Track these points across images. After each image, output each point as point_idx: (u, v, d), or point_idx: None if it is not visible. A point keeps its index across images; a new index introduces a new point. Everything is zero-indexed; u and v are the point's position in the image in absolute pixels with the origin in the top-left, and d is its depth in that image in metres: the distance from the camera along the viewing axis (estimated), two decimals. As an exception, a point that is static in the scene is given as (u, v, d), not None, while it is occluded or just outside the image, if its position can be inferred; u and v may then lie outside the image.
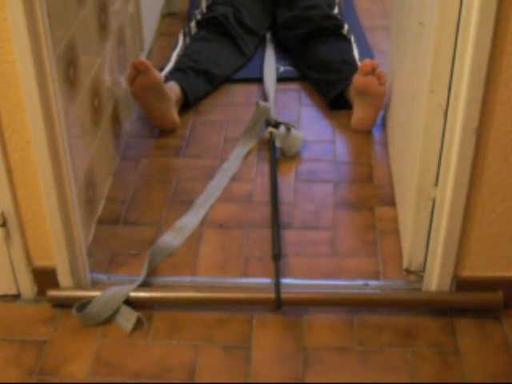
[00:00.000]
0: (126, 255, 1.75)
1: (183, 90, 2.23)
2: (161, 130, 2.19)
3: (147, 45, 2.54)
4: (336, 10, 2.55)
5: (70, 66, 1.61)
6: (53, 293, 1.62)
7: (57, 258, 1.58)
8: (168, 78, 2.25)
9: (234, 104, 2.34)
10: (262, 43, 2.62)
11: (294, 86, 2.41)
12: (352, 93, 2.17)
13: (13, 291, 1.64)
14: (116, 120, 2.05)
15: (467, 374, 1.46)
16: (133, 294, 1.59)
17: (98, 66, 1.86)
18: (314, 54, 2.39)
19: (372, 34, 2.68)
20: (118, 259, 1.74)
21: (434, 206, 1.51)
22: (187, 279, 1.67)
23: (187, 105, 2.27)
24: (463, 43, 1.30)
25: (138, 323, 1.57)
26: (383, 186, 1.96)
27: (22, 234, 1.57)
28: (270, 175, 1.99)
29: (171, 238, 1.78)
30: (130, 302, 1.59)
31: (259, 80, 2.42)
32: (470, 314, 1.58)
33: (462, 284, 1.58)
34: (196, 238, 1.80)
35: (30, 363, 1.50)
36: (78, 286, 1.63)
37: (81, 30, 1.69)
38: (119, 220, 1.86)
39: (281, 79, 2.42)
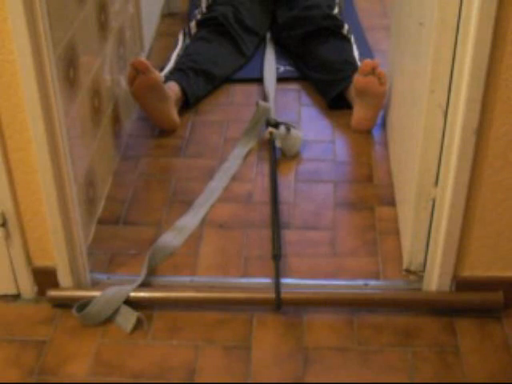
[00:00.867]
0: (126, 255, 1.75)
1: (183, 90, 2.23)
2: (161, 130, 2.19)
3: (147, 45, 2.54)
4: (336, 10, 2.55)
5: (69, 66, 1.61)
6: (53, 293, 1.62)
7: (57, 258, 1.58)
8: (168, 78, 2.25)
9: (234, 104, 2.34)
10: (262, 43, 2.62)
11: (294, 85, 2.41)
12: (352, 93, 2.17)
13: (13, 291, 1.64)
14: (116, 120, 2.05)
15: (467, 374, 1.46)
16: (133, 294, 1.59)
17: (98, 66, 1.86)
18: (314, 53, 2.39)
19: (372, 34, 2.68)
20: (118, 259, 1.74)
21: (434, 206, 1.51)
22: (187, 279, 1.67)
23: (187, 105, 2.27)
24: (463, 43, 1.30)
25: (138, 323, 1.57)
26: (383, 186, 1.96)
27: (22, 234, 1.57)
28: (270, 175, 1.99)
29: (171, 238, 1.78)
30: (130, 302, 1.59)
31: (259, 80, 2.42)
32: (470, 314, 1.58)
33: (461, 284, 1.58)
34: (196, 238, 1.80)
35: (30, 363, 1.50)
36: (78, 286, 1.63)
37: (81, 30, 1.69)
38: (119, 220, 1.86)
39: (281, 79, 2.42)
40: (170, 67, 2.35)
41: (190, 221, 1.84)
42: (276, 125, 2.11)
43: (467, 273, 1.57)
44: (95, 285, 1.65)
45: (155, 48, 2.63)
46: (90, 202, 1.79)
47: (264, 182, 1.99)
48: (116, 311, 1.57)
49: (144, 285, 1.63)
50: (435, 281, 1.58)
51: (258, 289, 1.63)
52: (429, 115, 1.41)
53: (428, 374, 1.46)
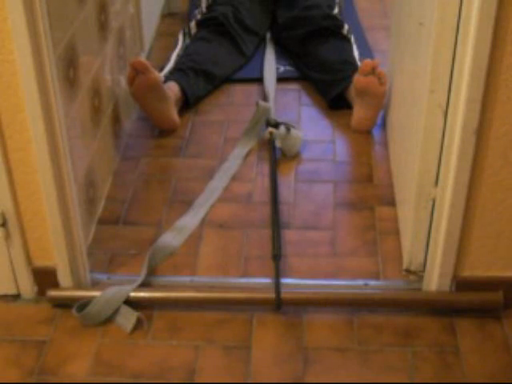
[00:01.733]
0: (126, 255, 1.75)
1: (183, 90, 2.23)
2: (161, 130, 2.19)
3: (147, 45, 2.54)
4: (336, 10, 2.55)
5: (69, 66, 1.61)
6: (53, 293, 1.62)
7: (57, 258, 1.58)
8: (168, 78, 2.25)
9: (234, 104, 2.34)
10: (261, 43, 2.62)
11: (294, 85, 2.41)
12: (352, 93, 2.17)
13: (13, 291, 1.64)
14: (116, 120, 2.05)
15: (467, 374, 1.46)
16: (133, 294, 1.59)
17: (98, 66, 1.86)
18: (314, 53, 2.39)
19: (372, 34, 2.68)
20: (118, 259, 1.74)
21: (434, 206, 1.51)
22: (187, 279, 1.67)
23: (187, 105, 2.27)
24: (463, 43, 1.30)
25: (138, 323, 1.57)
26: (383, 186, 1.96)
27: (22, 234, 1.57)
28: (270, 175, 1.99)
29: (171, 238, 1.78)
30: (130, 302, 1.59)
31: (259, 80, 2.42)
32: (469, 314, 1.58)
33: (461, 284, 1.58)
34: (196, 238, 1.80)
35: (30, 363, 1.50)
36: (78, 286, 1.63)
37: (81, 30, 1.69)
38: (119, 220, 1.86)
39: (281, 79, 2.42)
40: (170, 67, 2.35)
41: (189, 221, 1.84)
42: (276, 125, 2.11)
43: (467, 273, 1.57)
44: (95, 285, 1.65)
45: (155, 48, 2.63)
46: (90, 201, 1.79)
47: (264, 181, 1.99)
48: (116, 311, 1.57)
49: (144, 285, 1.63)
50: (435, 281, 1.58)
51: (257, 289, 1.63)
52: (429, 115, 1.41)
53: (428, 374, 1.46)
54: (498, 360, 1.49)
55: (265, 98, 2.31)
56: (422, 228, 1.55)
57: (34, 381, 1.47)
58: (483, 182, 1.45)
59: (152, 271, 1.69)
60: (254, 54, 2.55)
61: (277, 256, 1.69)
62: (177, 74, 2.28)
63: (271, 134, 2.09)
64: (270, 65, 2.48)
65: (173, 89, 2.19)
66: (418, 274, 1.62)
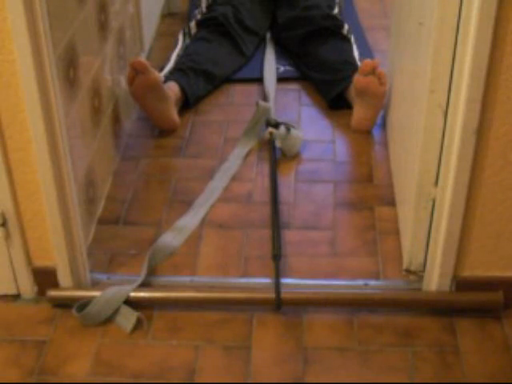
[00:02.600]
0: (126, 255, 1.75)
1: (183, 90, 2.23)
2: (161, 130, 2.19)
3: (147, 45, 2.54)
4: (336, 10, 2.55)
5: (69, 66, 1.61)
6: (53, 293, 1.62)
7: (57, 258, 1.58)
8: (168, 78, 2.25)
9: (234, 104, 2.34)
10: (262, 43, 2.62)
11: (294, 85, 2.41)
12: (352, 93, 2.17)
13: (13, 291, 1.64)
14: (116, 120, 2.05)
15: (467, 374, 1.46)
16: (133, 294, 1.59)
17: (98, 66, 1.86)
18: (314, 54, 2.39)
19: (372, 34, 2.68)
20: (118, 259, 1.74)
21: (434, 206, 1.51)
22: (187, 279, 1.67)
23: (187, 105, 2.27)
24: (463, 43, 1.30)
25: (138, 323, 1.57)
26: (383, 186, 1.96)
27: (22, 234, 1.57)
28: (270, 175, 1.99)
29: (171, 238, 1.78)
30: (130, 302, 1.59)
31: (259, 80, 2.42)
32: (470, 314, 1.58)
33: (461, 284, 1.58)
34: (196, 238, 1.80)
35: (30, 363, 1.50)
36: (78, 286, 1.63)
37: (81, 30, 1.69)
38: (119, 220, 1.86)
39: (281, 79, 2.42)
40: (170, 67, 2.35)
41: (189, 221, 1.84)
42: (276, 125, 2.11)
43: (467, 273, 1.57)
44: (95, 285, 1.65)
45: (155, 48, 2.63)
46: (90, 201, 1.79)
47: (264, 182, 1.99)
48: (116, 311, 1.57)
49: (144, 285, 1.63)
50: (435, 281, 1.58)
51: (257, 289, 1.63)
52: (429, 115, 1.41)
53: (428, 374, 1.46)
54: (498, 360, 1.49)
55: (265, 98, 2.31)
56: (422, 228, 1.55)
57: (34, 381, 1.47)
58: (483, 182, 1.45)
59: (152, 271, 1.69)
60: (254, 54, 2.55)
61: (277, 256, 1.69)
62: (177, 73, 2.28)
63: (271, 134, 2.09)
64: (270, 65, 2.48)
65: (173, 89, 2.20)
66: (418, 274, 1.62)
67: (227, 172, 2.01)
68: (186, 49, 2.45)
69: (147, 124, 2.21)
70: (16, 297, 1.65)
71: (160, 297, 1.62)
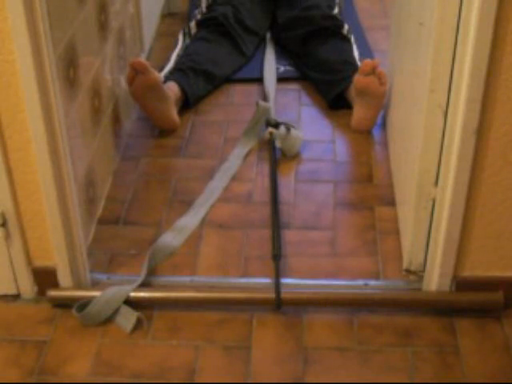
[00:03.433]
0: (126, 255, 1.75)
1: (183, 90, 2.23)
2: (161, 130, 2.19)
3: (147, 45, 2.54)
4: (336, 10, 2.55)
5: (69, 66, 1.61)
6: (53, 293, 1.62)
7: (57, 258, 1.58)
8: (168, 78, 2.25)
9: (234, 104, 2.34)
10: (261, 43, 2.62)
11: (294, 85, 2.41)
12: (352, 93, 2.17)
13: (13, 291, 1.64)
14: (116, 120, 2.05)
15: (467, 374, 1.46)
16: (133, 294, 1.59)
17: (98, 66, 1.86)
18: (314, 54, 2.39)
19: (372, 34, 2.68)
20: (118, 259, 1.74)
21: (434, 206, 1.51)
22: (187, 279, 1.67)
23: (187, 105, 2.27)
24: (463, 43, 1.30)
25: (138, 323, 1.57)
26: (383, 186, 1.96)
27: (22, 234, 1.57)
28: (270, 175, 1.99)
29: (171, 238, 1.78)
30: (130, 302, 1.59)
31: (259, 80, 2.42)
32: (470, 314, 1.58)
33: (462, 284, 1.58)
34: (196, 238, 1.80)
35: (30, 363, 1.50)
36: (78, 286, 1.63)
37: (81, 30, 1.69)
38: (119, 220, 1.86)
39: (281, 79, 2.42)
40: (170, 67, 2.35)
41: (189, 221, 1.84)
42: (276, 125, 2.11)
43: (467, 273, 1.57)
44: (95, 285, 1.65)
45: (155, 48, 2.63)
46: (90, 201, 1.79)
47: (264, 182, 1.99)
48: (116, 311, 1.57)
49: (144, 285, 1.63)
50: (435, 281, 1.58)
51: (257, 289, 1.63)
52: (429, 115, 1.41)
53: (428, 374, 1.46)
54: (498, 360, 1.49)
55: (265, 98, 2.31)
56: (422, 228, 1.55)
57: (34, 381, 1.47)
58: (483, 182, 1.45)
59: (152, 271, 1.69)
60: (254, 54, 2.55)
61: (277, 256, 1.69)
62: (177, 73, 2.28)
63: (271, 134, 2.09)
64: (270, 65, 2.48)
65: (173, 89, 2.20)
66: (418, 274, 1.62)
67: (227, 172, 2.01)
68: (185, 49, 2.45)
69: (147, 124, 2.21)
70: (16, 297, 1.65)
71: (160, 297, 1.62)
